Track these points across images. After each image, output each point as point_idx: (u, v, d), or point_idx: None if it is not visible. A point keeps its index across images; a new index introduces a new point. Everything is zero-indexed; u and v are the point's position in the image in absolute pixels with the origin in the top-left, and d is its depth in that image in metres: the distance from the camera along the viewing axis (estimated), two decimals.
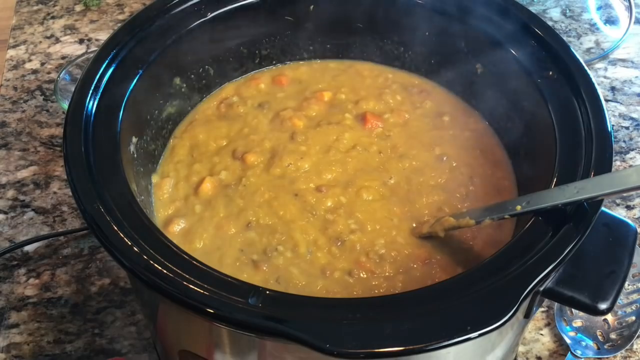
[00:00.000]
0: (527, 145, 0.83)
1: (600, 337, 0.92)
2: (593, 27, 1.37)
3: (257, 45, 0.96)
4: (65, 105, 1.08)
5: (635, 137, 1.18)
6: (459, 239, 0.79)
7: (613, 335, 0.92)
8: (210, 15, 0.88)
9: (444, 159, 0.87)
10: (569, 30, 1.36)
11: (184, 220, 0.81)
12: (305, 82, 0.97)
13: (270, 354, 0.67)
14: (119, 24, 1.22)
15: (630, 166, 1.13)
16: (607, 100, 1.23)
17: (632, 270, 0.97)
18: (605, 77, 1.28)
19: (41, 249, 1.02)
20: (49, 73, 1.28)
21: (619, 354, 0.91)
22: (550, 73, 0.79)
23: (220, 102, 0.95)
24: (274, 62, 0.99)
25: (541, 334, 0.94)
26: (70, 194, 0.71)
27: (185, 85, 0.91)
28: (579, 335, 0.92)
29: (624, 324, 0.93)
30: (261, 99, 0.95)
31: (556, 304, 0.94)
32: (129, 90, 0.78)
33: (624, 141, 1.18)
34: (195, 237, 0.79)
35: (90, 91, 0.75)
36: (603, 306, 0.63)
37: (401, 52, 0.97)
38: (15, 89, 1.25)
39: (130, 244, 0.63)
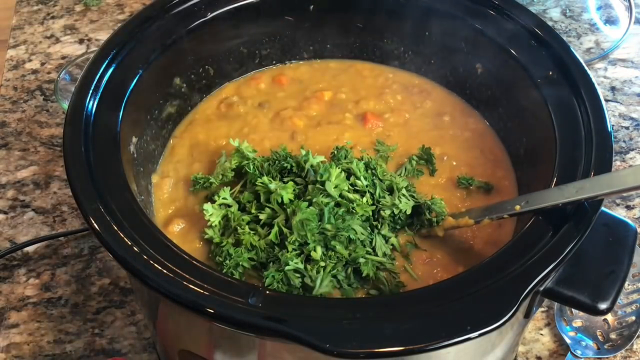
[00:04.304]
0: (527, 145, 0.83)
1: (600, 337, 0.92)
2: (593, 27, 1.37)
3: (257, 45, 0.96)
4: (65, 105, 1.08)
5: (635, 137, 1.18)
6: (459, 239, 0.79)
7: (613, 335, 0.92)
8: (210, 15, 0.88)
9: (444, 158, 0.87)
10: (569, 30, 1.36)
11: (184, 220, 0.81)
12: (305, 81, 0.98)
13: (270, 354, 0.67)
14: (119, 24, 1.22)
15: (630, 166, 1.13)
16: (607, 100, 1.23)
17: (632, 270, 0.97)
18: (605, 77, 1.28)
19: (41, 249, 1.02)
20: (49, 73, 1.28)
21: (619, 354, 0.91)
22: (550, 73, 0.79)
23: (220, 101, 0.95)
24: (274, 62, 0.99)
25: (541, 334, 0.94)
26: (70, 194, 0.71)
27: (185, 85, 0.91)
28: (579, 335, 0.92)
29: (624, 324, 0.93)
30: (261, 98, 0.95)
31: (556, 304, 0.94)
32: (129, 90, 0.78)
33: (624, 141, 1.18)
34: (195, 237, 0.79)
35: (90, 91, 0.76)
36: (603, 306, 0.63)
37: (401, 52, 0.97)
38: (15, 89, 1.25)
39: (130, 244, 0.64)
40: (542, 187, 0.70)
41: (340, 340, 0.57)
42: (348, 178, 0.78)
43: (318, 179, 0.77)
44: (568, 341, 0.91)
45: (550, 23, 1.35)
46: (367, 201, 0.77)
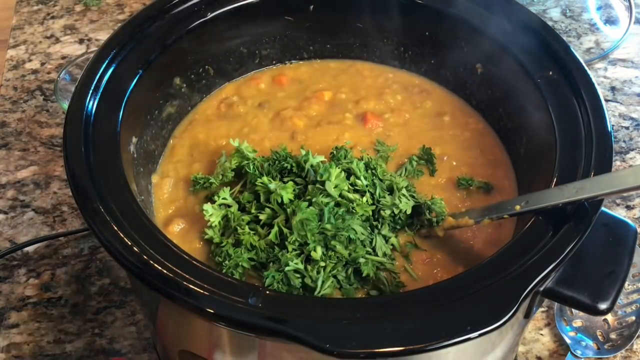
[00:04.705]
0: (527, 145, 0.83)
1: (600, 337, 0.92)
2: (593, 27, 1.37)
3: (257, 45, 0.96)
4: (65, 105, 1.08)
5: (635, 137, 1.18)
6: (459, 239, 0.79)
7: (613, 335, 0.92)
8: (210, 15, 0.88)
9: (444, 158, 0.87)
10: (569, 30, 1.36)
11: (184, 220, 0.81)
12: (305, 81, 0.98)
13: (270, 354, 0.67)
14: (119, 24, 1.22)
15: (630, 166, 1.13)
16: (607, 100, 1.23)
17: (632, 270, 0.97)
18: (605, 77, 1.28)
19: (41, 249, 1.02)
20: (49, 73, 1.28)
21: (619, 354, 0.91)
22: (550, 73, 0.79)
23: (220, 101, 0.95)
24: (274, 62, 0.99)
25: (541, 334, 0.94)
26: (70, 194, 0.71)
27: (185, 85, 0.91)
28: (579, 335, 0.92)
29: (624, 324, 0.93)
30: (261, 98, 0.95)
31: (556, 304, 0.94)
32: (129, 90, 0.78)
33: (624, 141, 1.18)
34: (195, 237, 0.79)
35: (90, 91, 0.76)
36: (603, 306, 0.63)
37: (401, 52, 0.97)
38: (15, 89, 1.25)
39: (130, 244, 0.64)
40: (542, 187, 0.70)
41: (340, 340, 0.57)
42: (348, 178, 0.78)
43: (318, 178, 0.77)
44: (568, 341, 0.91)
45: (550, 23, 1.35)
46: (367, 201, 0.77)
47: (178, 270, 0.62)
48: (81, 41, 1.34)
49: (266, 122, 0.92)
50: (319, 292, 0.71)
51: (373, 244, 0.75)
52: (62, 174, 1.12)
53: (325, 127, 0.90)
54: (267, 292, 0.61)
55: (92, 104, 0.75)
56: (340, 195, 0.76)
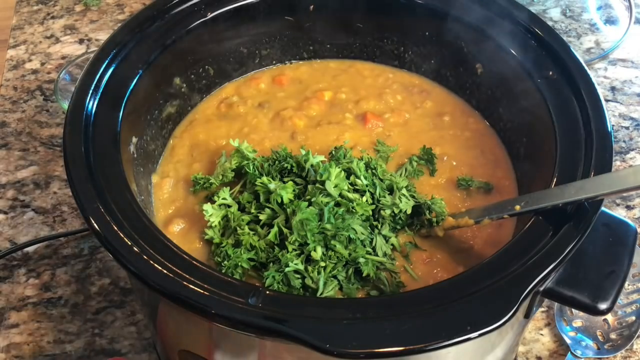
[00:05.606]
0: (527, 145, 0.83)
1: (600, 337, 0.92)
2: (593, 27, 1.37)
3: (257, 45, 0.96)
4: (65, 105, 1.08)
5: (635, 137, 1.18)
6: (460, 239, 0.79)
7: (613, 335, 0.92)
8: (210, 15, 0.88)
9: (444, 158, 0.87)
10: (569, 30, 1.36)
11: (184, 220, 0.81)
12: (305, 81, 0.98)
13: (270, 354, 0.67)
14: (119, 24, 1.22)
15: (630, 166, 1.13)
16: (607, 100, 1.23)
17: (632, 270, 0.97)
18: (605, 77, 1.28)
19: (41, 249, 1.02)
20: (49, 73, 1.28)
21: (619, 354, 0.91)
22: (550, 73, 0.79)
23: (220, 101, 0.95)
24: (274, 62, 0.99)
25: (541, 334, 0.94)
26: (70, 194, 0.71)
27: (185, 85, 0.91)
28: (579, 335, 0.92)
29: (624, 324, 0.93)
30: (261, 98, 0.95)
31: (556, 304, 0.94)
32: (129, 90, 0.78)
33: (624, 141, 1.18)
34: (195, 237, 0.79)
35: (90, 91, 0.76)
36: (603, 306, 0.63)
37: (401, 52, 0.97)
38: (15, 89, 1.25)
39: (130, 244, 0.64)
40: (542, 187, 0.70)
41: (340, 340, 0.57)
42: (348, 178, 0.78)
43: (318, 178, 0.77)
44: (568, 341, 0.91)
45: (550, 23, 1.35)
46: (367, 201, 0.77)
47: (178, 270, 0.62)
48: (81, 41, 1.34)
49: (266, 122, 0.92)
50: (321, 294, 0.71)
51: (373, 244, 0.75)
52: (62, 174, 1.12)
53: (325, 127, 0.90)
54: (267, 292, 0.61)
55: (92, 104, 0.75)
56: (340, 195, 0.76)
